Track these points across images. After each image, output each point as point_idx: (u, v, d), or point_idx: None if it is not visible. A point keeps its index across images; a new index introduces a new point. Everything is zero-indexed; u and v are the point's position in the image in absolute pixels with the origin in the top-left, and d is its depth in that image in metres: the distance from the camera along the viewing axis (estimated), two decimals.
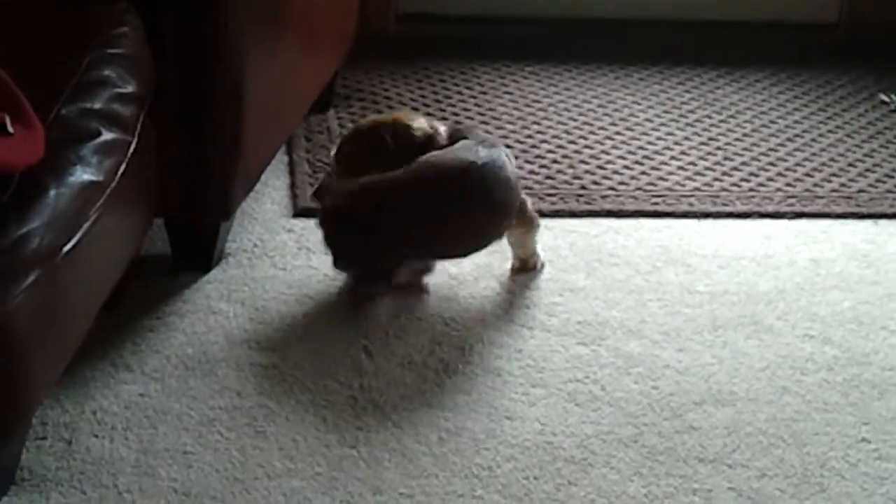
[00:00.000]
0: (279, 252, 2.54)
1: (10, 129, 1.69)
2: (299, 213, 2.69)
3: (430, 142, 2.42)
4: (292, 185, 2.81)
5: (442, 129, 2.46)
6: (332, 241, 2.36)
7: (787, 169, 3.05)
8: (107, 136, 1.99)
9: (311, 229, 2.59)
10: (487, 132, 3.14)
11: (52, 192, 1.79)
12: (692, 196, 2.89)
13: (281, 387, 2.13)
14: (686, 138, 3.19)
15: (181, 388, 2.11)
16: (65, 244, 1.78)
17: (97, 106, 2.01)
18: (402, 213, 2.31)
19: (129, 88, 2.09)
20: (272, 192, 2.77)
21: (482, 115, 3.25)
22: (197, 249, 2.45)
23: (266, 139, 2.58)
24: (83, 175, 1.87)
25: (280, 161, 2.89)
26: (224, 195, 2.40)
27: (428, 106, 3.28)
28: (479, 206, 2.37)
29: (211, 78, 2.30)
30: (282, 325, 2.31)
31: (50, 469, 1.90)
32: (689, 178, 2.97)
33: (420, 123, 2.45)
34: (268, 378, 2.15)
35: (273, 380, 2.15)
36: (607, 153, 3.08)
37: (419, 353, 2.25)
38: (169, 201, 2.35)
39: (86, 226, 1.84)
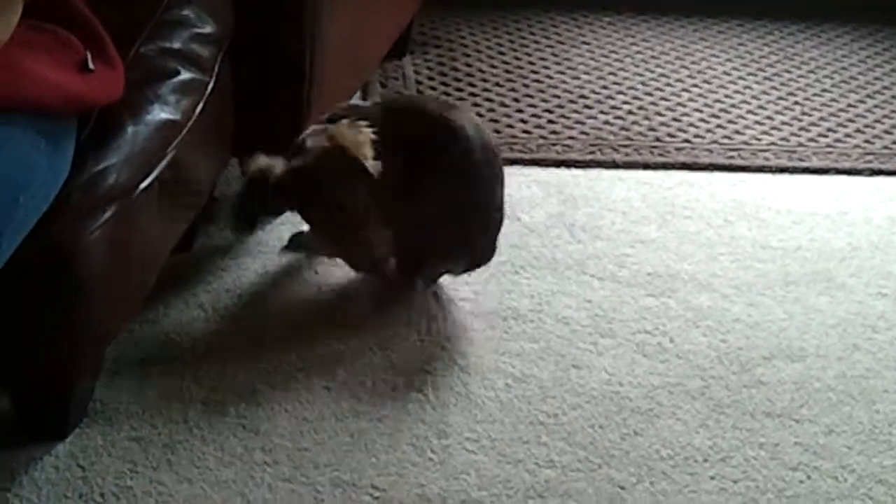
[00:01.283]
0: None
1: (92, 66, 1.71)
2: None
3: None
4: None
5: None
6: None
7: (865, 125, 3.01)
8: (185, 75, 2.01)
9: None
10: (564, 82, 3.13)
11: (130, 130, 1.81)
12: (768, 150, 2.86)
13: (351, 330, 2.15)
14: (764, 92, 3.16)
15: (252, 327, 2.13)
16: (141, 181, 1.80)
17: (176, 45, 2.02)
18: None
19: (208, 29, 2.09)
20: None
21: (558, 64, 3.23)
22: (261, 197, 2.45)
23: (340, 84, 2.58)
24: (161, 113, 1.89)
25: None
26: (294, 141, 2.40)
27: (504, 54, 3.27)
28: None
29: (287, 21, 2.30)
30: (347, 269, 2.32)
31: (122, 403, 1.93)
32: (765, 133, 2.95)
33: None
34: (337, 321, 2.17)
35: (342, 323, 2.16)
36: (683, 105, 3.05)
37: (488, 300, 2.26)
38: (244, 142, 2.36)
39: (162, 164, 1.86)
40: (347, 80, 2.66)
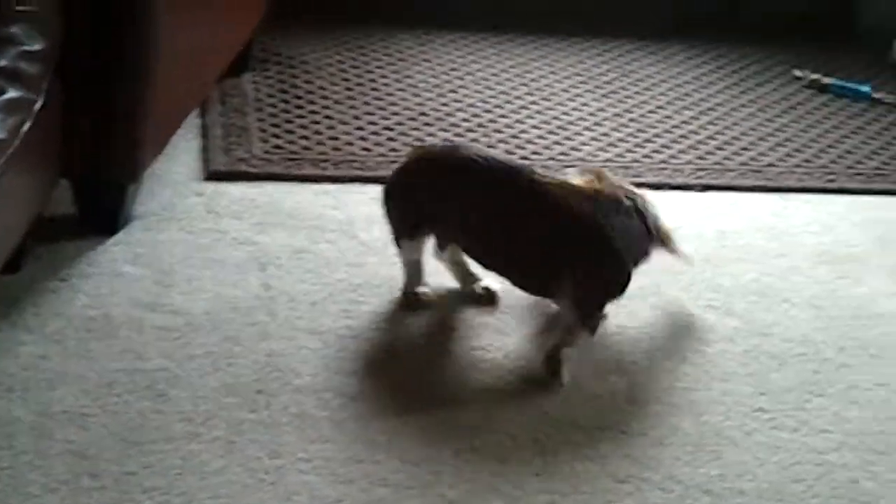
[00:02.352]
0: (188, 216, 2.53)
1: None
2: (210, 176, 2.69)
3: None
4: (204, 149, 2.80)
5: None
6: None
7: (698, 142, 3.08)
8: (11, 94, 1.98)
9: (220, 193, 2.60)
10: (404, 99, 3.14)
11: None
12: (604, 167, 2.89)
13: (184, 350, 2.13)
14: (601, 109, 3.21)
15: (81, 350, 2.10)
16: None
17: (2, 64, 1.99)
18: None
19: (36, 46, 2.07)
20: (183, 154, 2.76)
21: (399, 81, 3.25)
22: (103, 211, 2.43)
23: (177, 102, 2.57)
24: None
25: (192, 124, 2.87)
26: (131, 157, 2.39)
27: (345, 72, 3.27)
28: None
29: (120, 37, 2.28)
30: (187, 288, 2.30)
31: None
32: (601, 150, 2.99)
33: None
34: (170, 341, 2.15)
35: (175, 343, 2.14)
36: (522, 123, 3.09)
37: (324, 318, 2.25)
38: (75, 161, 2.33)
39: None
40: (185, 98, 2.64)
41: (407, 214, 2.28)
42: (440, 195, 2.24)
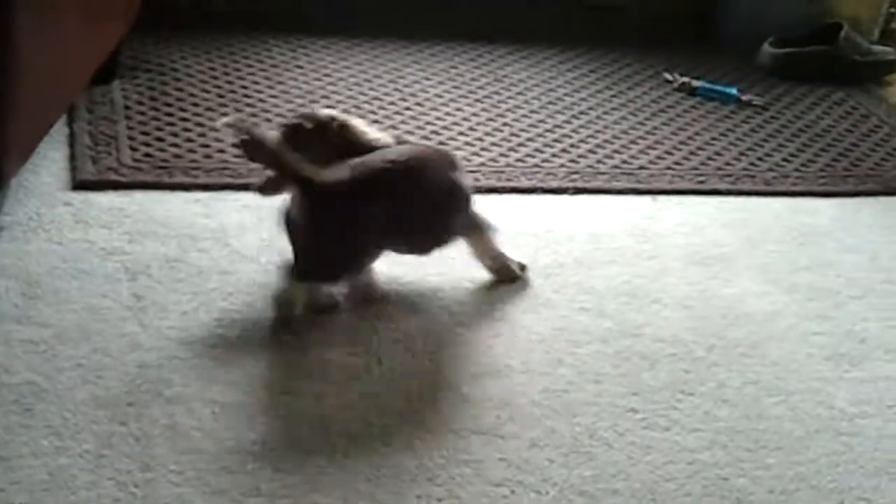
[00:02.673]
0: (55, 225, 2.48)
1: None
2: (78, 185, 2.64)
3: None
4: (72, 158, 2.75)
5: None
6: (310, 236, 2.25)
7: (571, 145, 3.11)
8: None
9: (89, 202, 2.56)
10: (276, 105, 3.12)
11: None
12: (478, 171, 2.91)
13: (52, 363, 2.09)
14: (474, 114, 3.22)
15: None
16: None
17: None
18: (397, 202, 2.28)
19: None
20: (50, 164, 2.71)
21: (271, 87, 3.23)
22: None
23: (41, 109, 2.51)
24: None
25: (60, 132, 2.82)
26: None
27: (216, 79, 3.24)
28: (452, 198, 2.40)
29: None
30: (55, 300, 2.25)
31: None
32: (475, 154, 3.00)
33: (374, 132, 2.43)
34: (38, 354, 2.10)
35: (43, 356, 2.10)
36: (395, 128, 3.08)
37: (196, 328, 2.23)
38: None
39: None
40: (49, 105, 2.59)
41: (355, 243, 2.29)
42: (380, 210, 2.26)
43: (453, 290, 2.44)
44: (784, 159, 3.18)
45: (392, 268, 2.47)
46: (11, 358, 2.09)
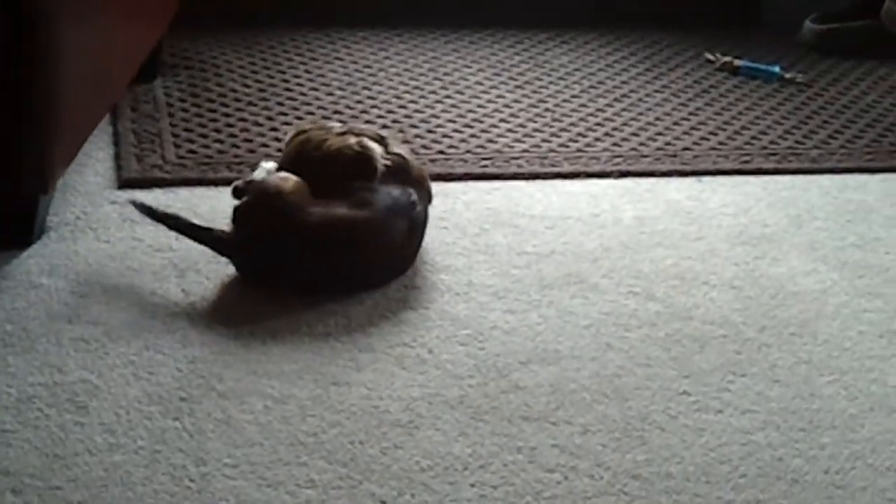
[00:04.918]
0: (102, 224, 2.50)
1: None
2: (124, 184, 2.65)
3: (362, 163, 2.42)
4: (117, 156, 2.77)
5: (375, 148, 2.45)
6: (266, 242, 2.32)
7: (614, 129, 3.10)
8: None
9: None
10: (317, 98, 3.13)
11: None
12: (521, 158, 2.91)
13: (103, 361, 2.10)
14: (515, 101, 3.22)
15: None
16: None
17: None
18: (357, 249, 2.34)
19: None
20: (96, 163, 2.73)
21: (312, 81, 3.23)
22: (16, 224, 2.39)
23: (85, 110, 2.53)
24: None
25: (104, 131, 2.84)
26: (40, 168, 2.35)
27: (257, 73, 3.25)
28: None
29: (19, 48, 2.24)
30: (104, 298, 2.27)
31: None
32: (518, 140, 3.00)
33: (350, 147, 2.44)
34: (90, 352, 2.12)
35: (95, 354, 2.12)
36: (437, 117, 3.09)
37: (245, 323, 2.24)
38: None
39: None
40: (93, 105, 2.61)
41: None
42: None
43: (500, 278, 2.43)
44: (829, 136, 3.16)
45: (439, 258, 2.47)
46: (64, 357, 2.10)
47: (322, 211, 2.30)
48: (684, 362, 2.22)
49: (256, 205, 2.33)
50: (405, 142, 2.87)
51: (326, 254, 2.31)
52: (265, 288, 2.33)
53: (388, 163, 2.42)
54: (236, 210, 2.33)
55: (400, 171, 2.43)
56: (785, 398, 2.14)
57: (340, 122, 2.73)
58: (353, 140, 2.46)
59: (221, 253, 2.34)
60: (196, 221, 2.38)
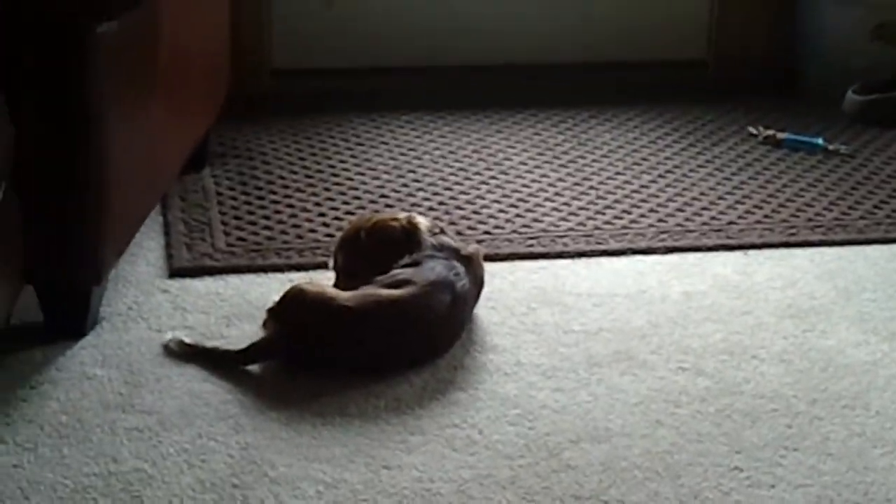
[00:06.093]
0: (154, 314, 2.53)
1: None
2: (174, 273, 2.69)
3: (408, 236, 2.51)
4: (167, 246, 2.81)
5: (423, 221, 2.55)
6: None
7: (658, 205, 3.11)
8: None
9: (186, 289, 2.61)
10: (364, 183, 3.17)
11: None
12: (566, 236, 2.93)
13: (157, 450, 2.12)
14: (560, 179, 3.24)
15: (55, 456, 2.09)
16: None
17: None
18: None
19: None
20: (147, 253, 2.77)
21: (358, 165, 3.27)
22: (69, 315, 2.43)
23: (136, 201, 2.57)
24: None
25: (154, 221, 2.89)
26: (93, 260, 2.39)
27: (304, 160, 3.30)
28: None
29: (72, 146, 2.29)
30: (157, 387, 2.29)
31: None
32: (563, 219, 3.02)
33: (398, 219, 2.56)
34: (143, 441, 2.14)
35: (149, 443, 2.14)
36: (482, 198, 3.11)
37: (295, 406, 2.25)
38: (38, 268, 2.34)
39: None
40: (143, 197, 2.65)
41: None
42: None
43: (549, 356, 2.44)
44: (875, 206, 3.16)
45: (487, 338, 2.48)
46: (118, 446, 2.12)
47: (352, 296, 2.36)
48: (736, 438, 2.21)
49: (287, 305, 2.39)
50: (451, 223, 2.90)
51: (365, 338, 2.33)
52: (314, 371, 2.34)
53: (434, 241, 2.47)
54: (269, 312, 2.41)
55: (447, 248, 2.48)
56: (838, 472, 2.13)
57: (388, 206, 2.77)
58: (402, 215, 2.56)
59: (266, 359, 2.37)
60: (231, 349, 2.40)
